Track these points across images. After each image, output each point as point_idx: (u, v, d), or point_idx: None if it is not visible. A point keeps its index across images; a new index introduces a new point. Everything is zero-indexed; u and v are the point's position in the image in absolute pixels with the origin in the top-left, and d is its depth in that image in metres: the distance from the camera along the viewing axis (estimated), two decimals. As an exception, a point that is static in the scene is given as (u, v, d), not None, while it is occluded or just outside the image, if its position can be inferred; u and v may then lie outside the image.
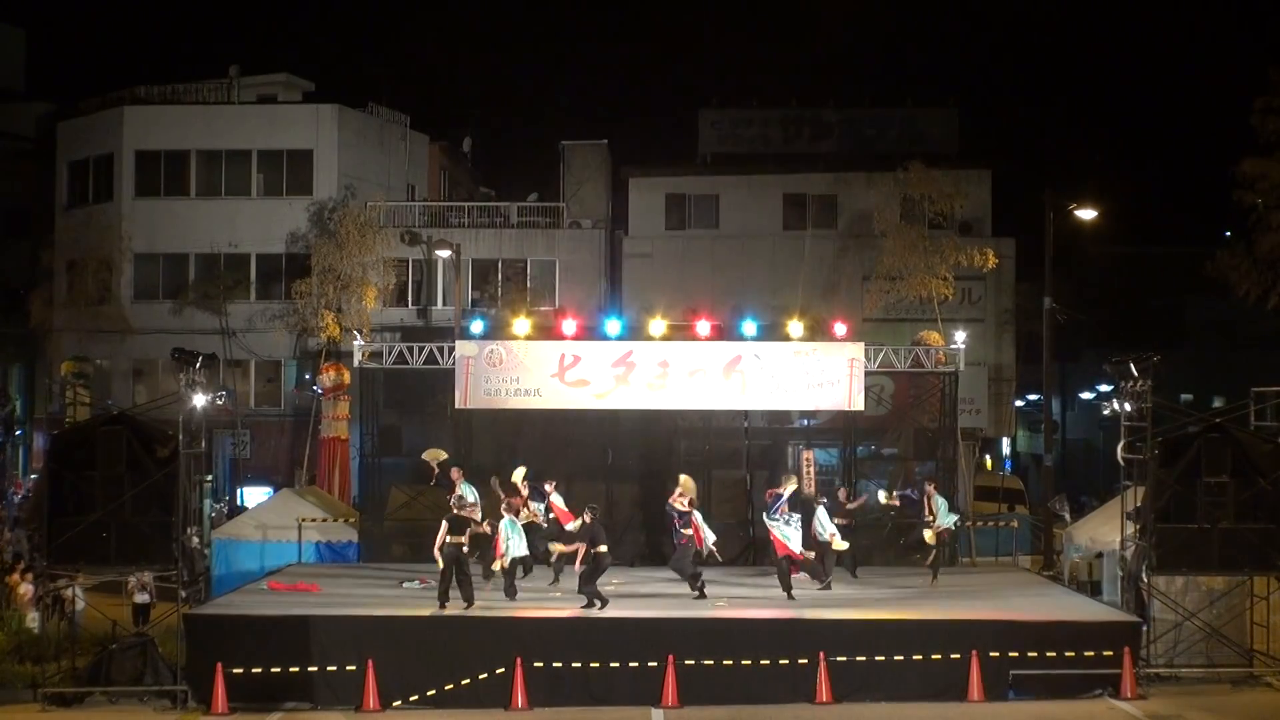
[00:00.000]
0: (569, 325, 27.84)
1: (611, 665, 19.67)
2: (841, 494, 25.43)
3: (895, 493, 26.66)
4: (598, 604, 20.86)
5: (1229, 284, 32.62)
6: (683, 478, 23.95)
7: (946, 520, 24.73)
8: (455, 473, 24.21)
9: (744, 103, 42.96)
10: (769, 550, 23.61)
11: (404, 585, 23.81)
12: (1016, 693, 19.80)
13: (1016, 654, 19.84)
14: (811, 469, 29.37)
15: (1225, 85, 73.98)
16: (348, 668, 19.50)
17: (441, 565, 21.01)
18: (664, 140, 53.89)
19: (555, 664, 19.62)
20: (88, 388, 36.29)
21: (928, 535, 24.70)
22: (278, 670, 19.50)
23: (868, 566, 25.55)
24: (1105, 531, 24.19)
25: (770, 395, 27.27)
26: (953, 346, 28.32)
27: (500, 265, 40.71)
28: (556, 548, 23.25)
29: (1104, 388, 36.01)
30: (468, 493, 23.10)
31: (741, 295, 37.42)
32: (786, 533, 22.47)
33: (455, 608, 20.88)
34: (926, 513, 24.79)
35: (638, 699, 19.47)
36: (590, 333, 28.40)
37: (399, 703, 19.47)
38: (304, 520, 27.27)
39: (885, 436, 33.01)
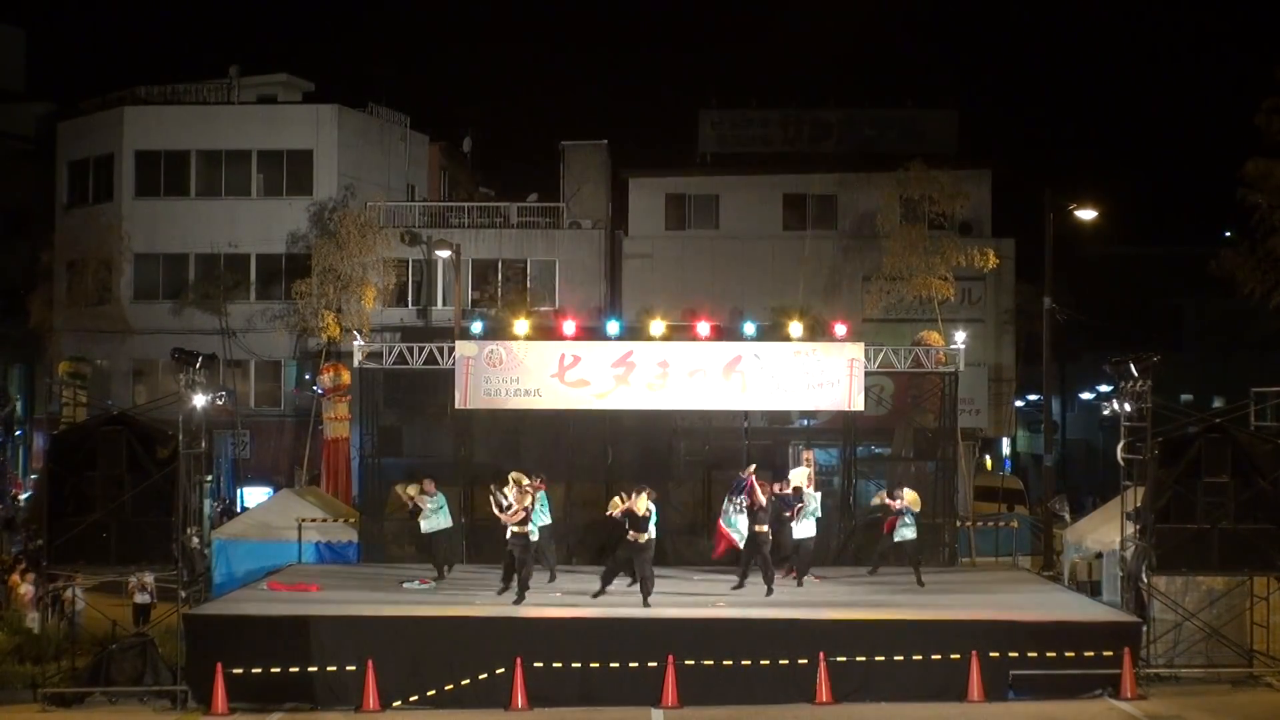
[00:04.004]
0: (569, 326, 27.82)
1: (611, 665, 19.66)
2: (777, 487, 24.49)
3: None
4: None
5: (1235, 283, 32.62)
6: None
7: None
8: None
9: (744, 103, 42.99)
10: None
11: (404, 585, 23.83)
12: (1016, 693, 19.79)
13: (1016, 654, 19.84)
14: (811, 469, 29.38)
15: (1225, 85, 74.13)
16: (348, 668, 19.49)
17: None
18: (664, 140, 54.10)
19: (555, 664, 19.61)
20: (84, 388, 36.28)
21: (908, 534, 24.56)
22: (278, 670, 19.49)
23: (867, 566, 25.54)
24: (1105, 531, 24.18)
25: (770, 395, 27.25)
26: (953, 347, 28.31)
27: (500, 265, 40.72)
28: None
29: (1104, 388, 36.00)
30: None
31: (741, 295, 37.46)
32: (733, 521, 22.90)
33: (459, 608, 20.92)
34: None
35: (638, 699, 19.46)
36: (590, 333, 28.38)
37: (399, 703, 19.46)
38: (304, 520, 27.27)
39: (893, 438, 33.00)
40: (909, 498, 24.83)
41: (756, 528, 23.02)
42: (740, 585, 23.13)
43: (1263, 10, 69.94)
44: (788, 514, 23.89)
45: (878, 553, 25.04)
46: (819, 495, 25.11)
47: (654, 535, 21.90)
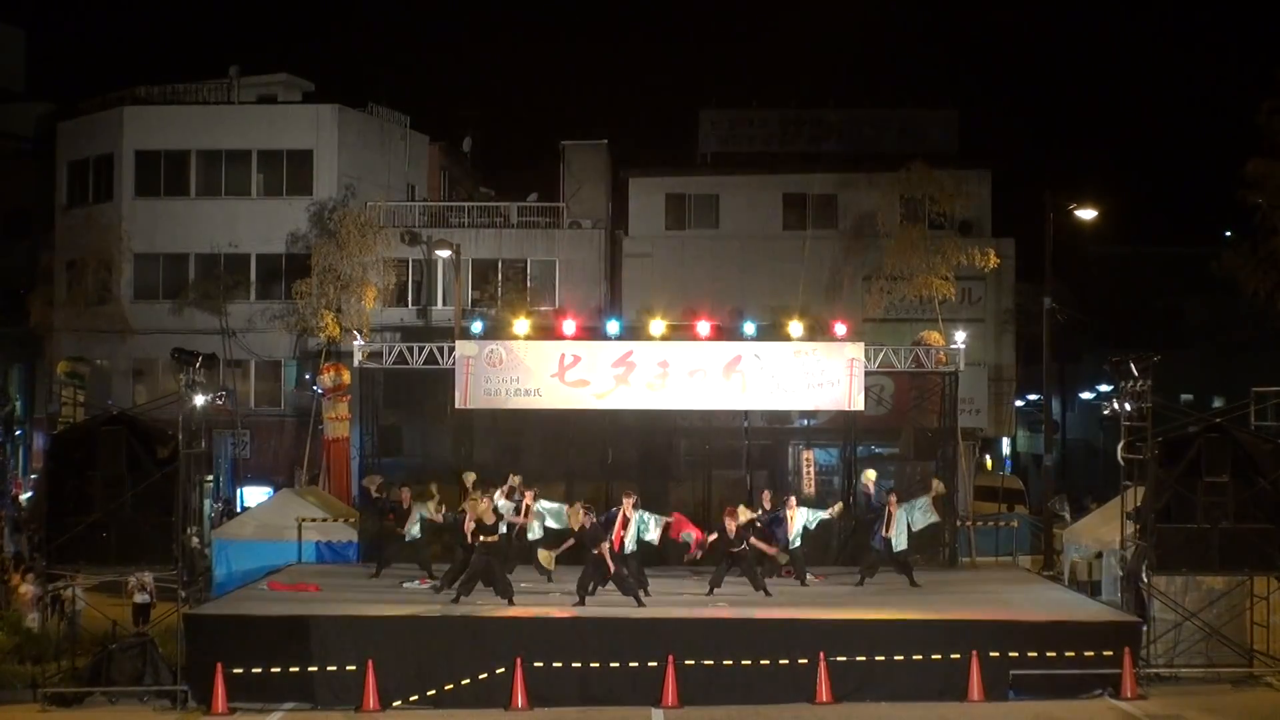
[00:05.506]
0: (569, 325, 27.87)
1: (611, 665, 19.67)
2: (765, 497, 24.79)
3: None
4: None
5: (1238, 283, 32.63)
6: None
7: (916, 516, 24.45)
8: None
9: (744, 103, 43.00)
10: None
11: (404, 585, 23.85)
12: (1016, 693, 19.79)
13: (1016, 654, 19.84)
14: (811, 469, 29.42)
15: (1225, 85, 74.11)
16: (348, 668, 19.49)
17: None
18: (664, 140, 53.87)
19: (555, 664, 19.61)
20: (83, 388, 36.25)
21: (889, 531, 24.32)
22: (278, 670, 19.49)
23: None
24: (1105, 531, 24.19)
25: (770, 395, 27.28)
26: (953, 346, 28.34)
27: (500, 265, 40.70)
28: (544, 555, 23.26)
29: (1104, 388, 36.06)
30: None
31: (741, 295, 37.45)
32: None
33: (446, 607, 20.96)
34: (885, 528, 24.27)
35: (638, 699, 19.47)
36: (590, 333, 28.43)
37: (399, 703, 19.46)
38: (304, 520, 27.28)
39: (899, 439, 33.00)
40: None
41: (733, 549, 22.94)
42: (710, 592, 22.74)
43: (1263, 10, 69.99)
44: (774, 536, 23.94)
45: (866, 564, 24.71)
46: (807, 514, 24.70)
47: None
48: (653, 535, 22.89)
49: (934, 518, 24.79)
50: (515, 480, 24.82)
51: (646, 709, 19.34)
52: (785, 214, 40.42)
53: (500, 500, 23.61)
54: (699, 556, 23.87)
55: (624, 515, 22.35)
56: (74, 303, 41.38)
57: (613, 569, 21.55)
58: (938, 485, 25.21)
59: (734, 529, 22.82)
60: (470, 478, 24.72)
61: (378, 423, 29.13)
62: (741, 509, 23.37)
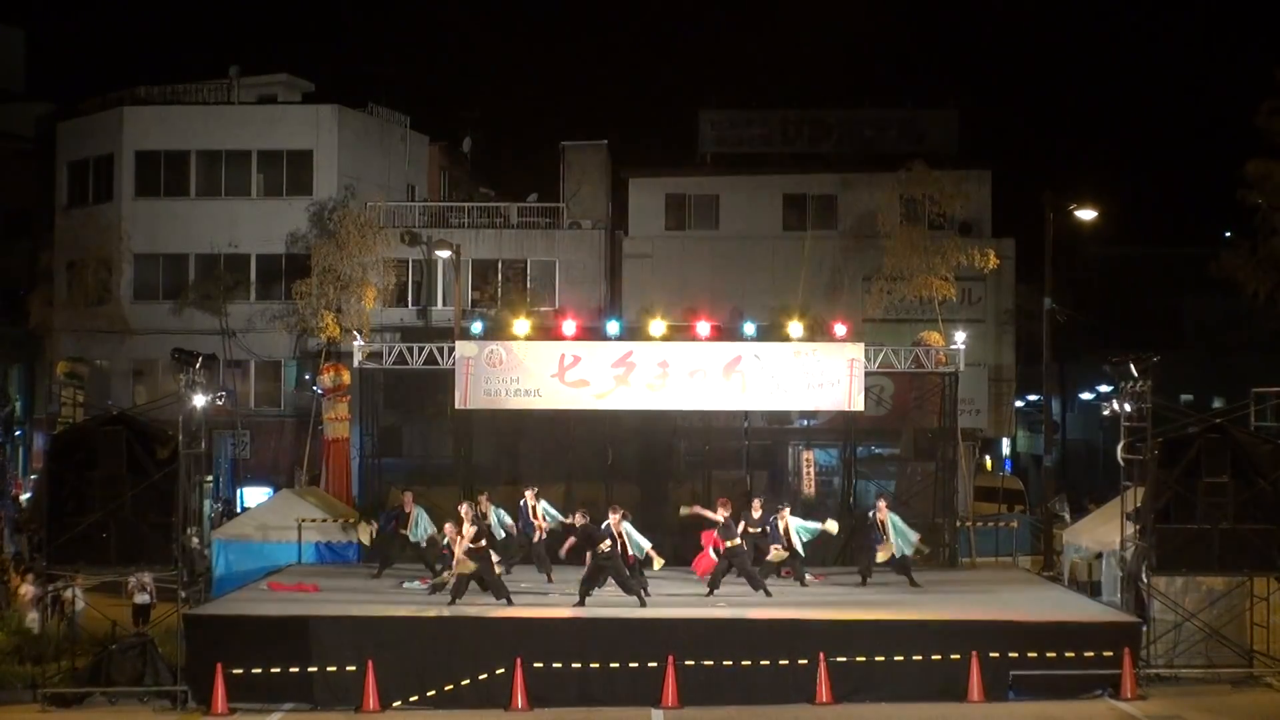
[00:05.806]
0: (569, 325, 27.88)
1: (611, 665, 19.68)
2: (756, 505, 24.46)
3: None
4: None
5: (1237, 283, 32.64)
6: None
7: (901, 542, 24.31)
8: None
9: (744, 103, 42.95)
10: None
11: (404, 585, 23.86)
12: (1016, 693, 19.80)
13: (1016, 654, 19.85)
14: (811, 469, 29.43)
15: (1224, 86, 74.12)
16: (348, 668, 19.51)
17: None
18: (664, 140, 53.77)
19: (555, 664, 19.62)
20: (82, 388, 36.26)
21: (880, 555, 24.30)
22: (278, 670, 19.50)
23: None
24: (1105, 532, 24.19)
25: (770, 395, 27.29)
26: (953, 347, 28.35)
27: (500, 265, 40.72)
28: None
29: (1104, 388, 36.01)
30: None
31: (741, 295, 37.47)
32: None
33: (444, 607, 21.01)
34: (880, 532, 24.20)
35: (638, 699, 19.47)
36: (590, 333, 28.44)
37: (399, 703, 19.47)
38: (304, 520, 27.28)
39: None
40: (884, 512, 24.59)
41: (729, 542, 22.91)
42: (710, 593, 22.69)
43: (1263, 10, 69.97)
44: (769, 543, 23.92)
45: (865, 563, 24.64)
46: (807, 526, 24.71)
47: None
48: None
49: (911, 553, 24.69)
50: (529, 493, 24.90)
51: (646, 709, 19.34)
52: (785, 214, 40.42)
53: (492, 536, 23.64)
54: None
55: (616, 531, 22.22)
56: (74, 303, 41.39)
57: (553, 561, 21.80)
58: (923, 546, 24.95)
59: (724, 519, 22.82)
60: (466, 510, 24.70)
61: (378, 423, 29.18)
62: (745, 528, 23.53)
